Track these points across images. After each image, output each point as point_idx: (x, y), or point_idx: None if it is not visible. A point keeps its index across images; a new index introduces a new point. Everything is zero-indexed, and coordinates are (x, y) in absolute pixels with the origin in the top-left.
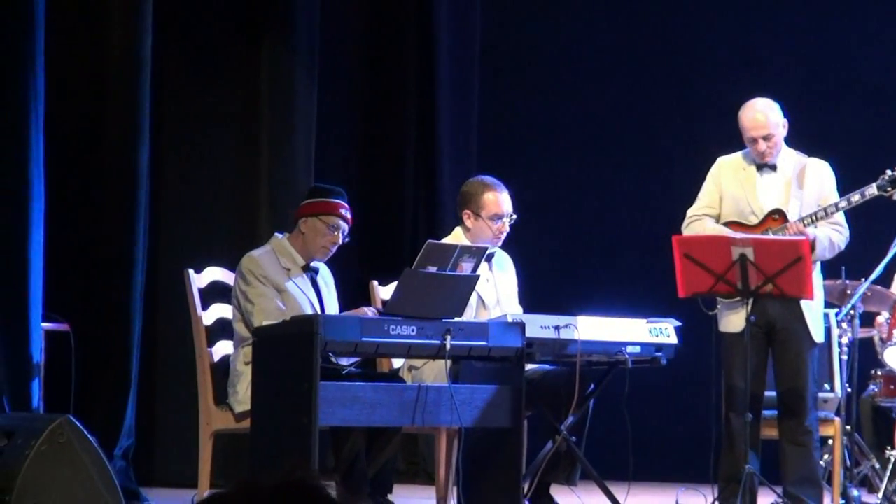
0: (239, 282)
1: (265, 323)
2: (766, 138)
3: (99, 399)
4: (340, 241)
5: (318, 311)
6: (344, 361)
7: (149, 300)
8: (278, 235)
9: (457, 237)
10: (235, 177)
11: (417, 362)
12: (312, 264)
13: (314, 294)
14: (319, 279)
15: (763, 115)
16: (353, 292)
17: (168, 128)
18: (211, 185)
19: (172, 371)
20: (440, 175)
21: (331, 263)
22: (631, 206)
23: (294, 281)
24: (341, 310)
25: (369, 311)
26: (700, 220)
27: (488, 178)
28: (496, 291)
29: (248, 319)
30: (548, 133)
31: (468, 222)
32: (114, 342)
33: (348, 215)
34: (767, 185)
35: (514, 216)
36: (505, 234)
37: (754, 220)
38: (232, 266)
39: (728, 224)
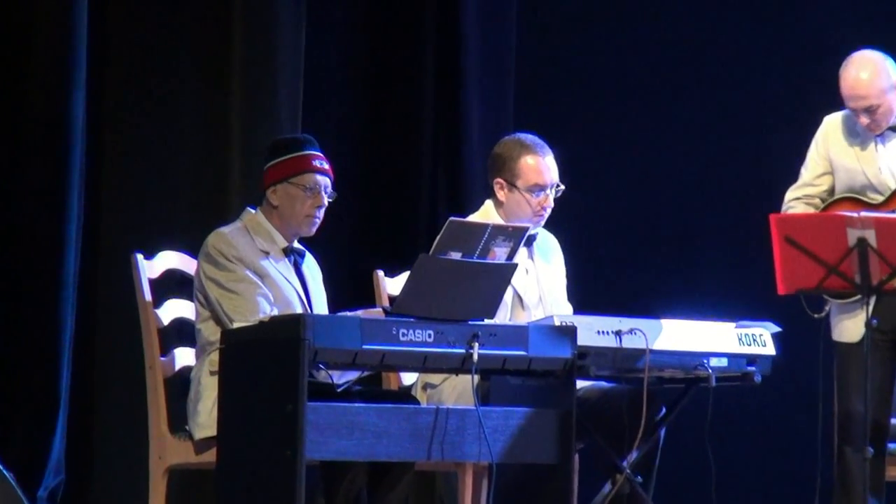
0: (206, 267)
1: (252, 320)
2: (870, 110)
3: (16, 424)
4: (325, 203)
5: (308, 308)
6: (339, 377)
7: (83, 294)
8: (250, 210)
9: (486, 214)
10: (198, 134)
11: (435, 378)
12: (296, 245)
13: (300, 285)
14: (304, 268)
15: (865, 80)
16: (351, 287)
17: (111, 67)
18: (167, 144)
19: (115, 387)
20: (466, 134)
21: (320, 249)
22: (715, 178)
23: (275, 266)
24: (333, 310)
25: (375, 313)
26: (801, 207)
27: (528, 137)
28: (538, 285)
29: (222, 316)
30: (608, 80)
31: (501, 194)
32: (36, 349)
33: (325, 165)
34: (892, 152)
35: (562, 187)
36: (548, 211)
37: (878, 199)
38: (193, 250)
39: (841, 202)
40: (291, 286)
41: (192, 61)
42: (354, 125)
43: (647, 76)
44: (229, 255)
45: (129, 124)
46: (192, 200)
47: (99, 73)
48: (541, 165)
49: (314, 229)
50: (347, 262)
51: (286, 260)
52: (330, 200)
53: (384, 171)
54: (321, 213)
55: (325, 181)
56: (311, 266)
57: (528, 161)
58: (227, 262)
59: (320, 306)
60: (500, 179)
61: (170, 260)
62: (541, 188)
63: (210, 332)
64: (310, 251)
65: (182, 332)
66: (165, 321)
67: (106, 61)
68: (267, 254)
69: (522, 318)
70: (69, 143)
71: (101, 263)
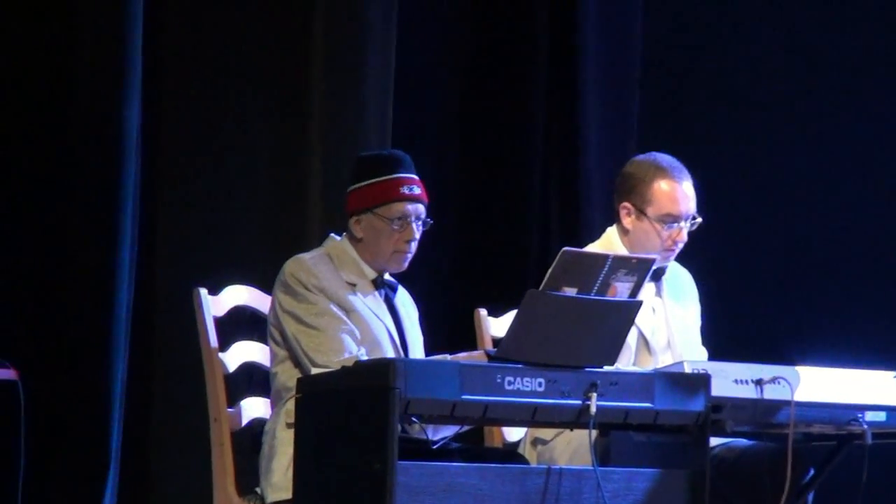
0: (282, 298)
1: (335, 361)
2: None
3: (60, 483)
4: (418, 235)
5: (401, 350)
6: (435, 432)
7: (137, 335)
8: (334, 237)
9: (609, 243)
10: (272, 151)
11: (546, 433)
12: (388, 277)
13: (392, 323)
14: (398, 303)
15: None
16: (448, 328)
17: (170, 75)
18: (234, 164)
19: (173, 443)
20: (582, 152)
21: (413, 284)
22: (871, 202)
23: (363, 300)
24: (428, 354)
25: (476, 358)
26: None
27: (665, 159)
28: (667, 326)
29: (301, 356)
30: (749, 92)
31: (627, 221)
32: (84, 398)
33: (418, 191)
34: None
35: (698, 220)
36: (680, 246)
37: None
38: (264, 285)
39: None
40: (382, 324)
41: (265, 68)
42: (452, 141)
43: (794, 88)
44: (309, 285)
45: (191, 139)
46: (263, 228)
47: (155, 80)
48: (677, 193)
49: (406, 264)
50: (444, 298)
51: (376, 294)
52: (424, 229)
53: (487, 195)
54: (413, 247)
55: (417, 209)
56: (405, 302)
57: (662, 186)
58: (307, 293)
59: (416, 349)
60: (627, 204)
61: (238, 295)
62: (674, 219)
63: (287, 377)
64: (402, 286)
65: (252, 380)
66: (233, 366)
67: (163, 66)
68: (353, 286)
69: (648, 365)
70: (122, 159)
71: (159, 299)
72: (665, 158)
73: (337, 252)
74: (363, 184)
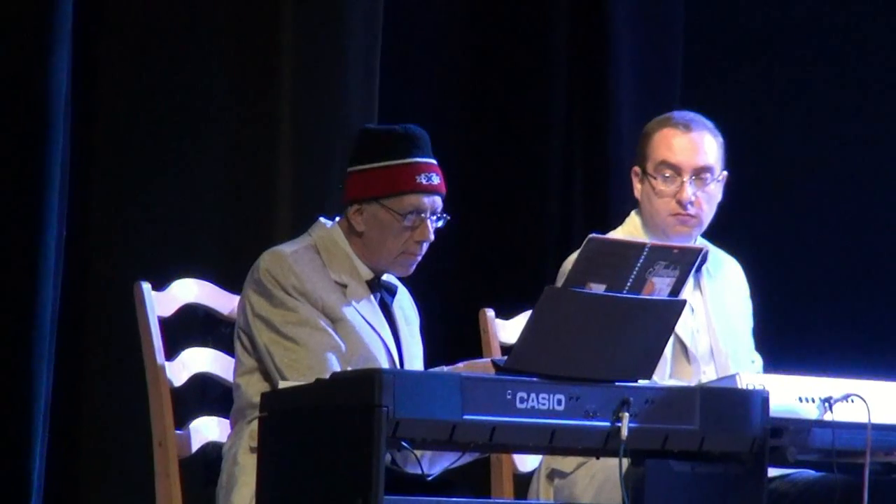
0: (254, 299)
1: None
2: None
3: None
4: (432, 236)
5: (398, 363)
6: (430, 462)
7: (66, 341)
8: (324, 223)
9: (632, 229)
10: (234, 120)
11: (566, 463)
12: (385, 279)
13: (389, 332)
14: (396, 307)
15: None
16: (448, 332)
17: (107, 20)
18: (186, 133)
19: (108, 472)
20: (612, 123)
21: (411, 282)
22: None
23: (355, 306)
24: (428, 365)
25: (481, 368)
26: None
27: (679, 112)
28: (710, 330)
29: (274, 372)
30: (802, 60)
31: (637, 189)
32: (1, 413)
33: (437, 180)
34: None
35: (712, 178)
36: (693, 210)
37: None
38: (222, 279)
39: None
40: (377, 335)
41: (226, 19)
42: (453, 109)
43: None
44: (288, 287)
45: (132, 100)
46: (221, 212)
47: (87, 25)
48: (676, 138)
49: (412, 269)
50: (443, 296)
51: (371, 298)
52: (439, 227)
53: (496, 173)
54: (424, 248)
55: (434, 203)
56: (404, 306)
57: (662, 135)
58: (285, 297)
59: (416, 360)
60: (636, 168)
61: (188, 291)
62: (671, 169)
63: (255, 391)
64: (403, 284)
65: (205, 395)
66: (181, 379)
67: (98, 8)
68: (344, 287)
69: (687, 377)
70: (46, 124)
71: (91, 296)
72: (681, 112)
73: (326, 244)
74: (370, 166)
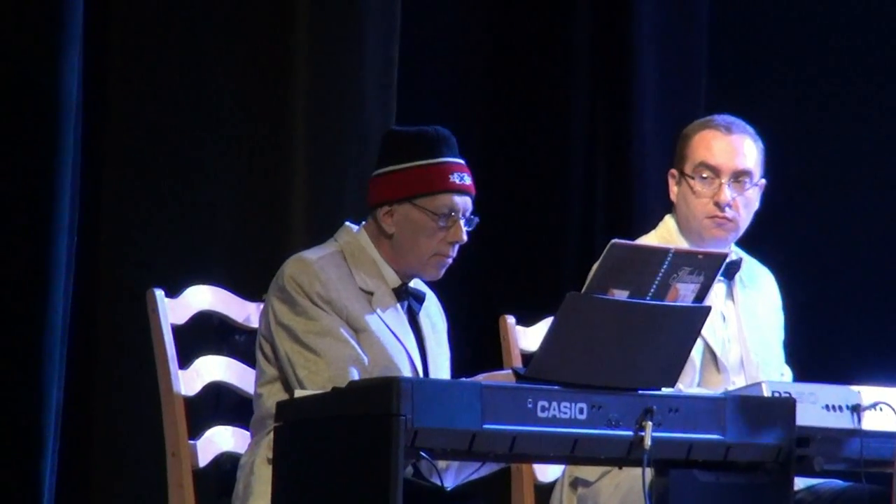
0: (277, 307)
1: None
2: None
3: None
4: (465, 237)
5: (422, 373)
6: (450, 474)
7: (78, 348)
8: (351, 227)
9: (666, 234)
10: (247, 125)
11: (589, 472)
12: (414, 286)
13: (414, 342)
14: (423, 316)
15: None
16: (468, 340)
17: (118, 24)
18: (200, 138)
19: (120, 482)
20: (636, 127)
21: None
22: None
23: (381, 315)
24: (455, 375)
25: (501, 377)
26: None
27: (721, 116)
28: (741, 338)
29: (294, 382)
30: (840, 58)
31: (673, 192)
32: (9, 427)
33: (468, 180)
34: None
35: (752, 182)
36: (731, 213)
37: None
38: (235, 285)
39: None
40: (401, 346)
41: (241, 22)
42: (473, 109)
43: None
44: (313, 294)
45: (144, 104)
46: (235, 218)
47: (100, 29)
48: (716, 140)
49: (443, 272)
50: (462, 303)
51: (398, 306)
52: (471, 230)
53: (517, 178)
54: (455, 251)
55: (466, 204)
56: (432, 314)
57: (703, 137)
58: (309, 305)
59: (442, 370)
60: (673, 171)
61: (202, 298)
62: (711, 171)
63: (275, 401)
64: (432, 290)
65: (220, 404)
66: (196, 388)
67: (110, 12)
68: (370, 295)
69: (717, 386)
70: (58, 130)
71: (104, 303)
72: (722, 116)
73: (352, 249)
74: (401, 167)
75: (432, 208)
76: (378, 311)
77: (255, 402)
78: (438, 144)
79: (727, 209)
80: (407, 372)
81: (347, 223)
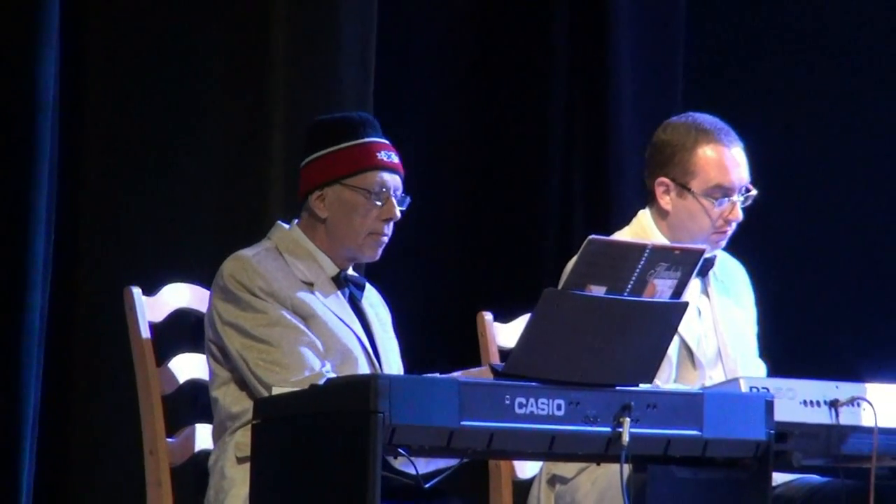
0: (221, 307)
1: (292, 381)
2: None
3: None
4: (398, 214)
5: (375, 362)
6: (426, 465)
7: (56, 347)
8: (282, 225)
9: (640, 230)
10: (223, 120)
11: (567, 469)
12: (351, 273)
13: (360, 327)
14: (365, 304)
15: None
16: (444, 337)
17: (95, 21)
18: (176, 135)
19: (98, 481)
20: (613, 119)
21: (396, 281)
22: None
23: (324, 302)
24: (413, 370)
25: (479, 374)
26: None
27: (708, 120)
28: (716, 334)
29: (250, 378)
30: (819, 52)
31: (665, 201)
32: None
33: (395, 159)
34: None
35: (753, 192)
36: (733, 227)
37: None
38: (212, 283)
39: None
40: (350, 330)
41: (219, 18)
42: (450, 102)
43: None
44: (255, 289)
45: (121, 101)
46: (212, 214)
47: (76, 27)
48: (726, 158)
49: (380, 251)
50: (438, 299)
51: (339, 293)
52: (403, 210)
53: (493, 170)
54: (390, 229)
55: (395, 182)
56: (374, 303)
57: (708, 152)
58: (253, 299)
59: (391, 360)
60: (665, 179)
61: (179, 296)
62: (725, 192)
63: (232, 401)
64: (370, 283)
65: (198, 401)
66: (173, 385)
67: (86, 9)
68: (310, 285)
69: (693, 382)
70: (34, 127)
71: (81, 301)
72: (707, 119)
73: (287, 244)
74: (327, 150)
75: (364, 185)
76: (321, 299)
77: (214, 408)
78: (363, 126)
79: (734, 223)
80: (359, 354)
81: (279, 221)
